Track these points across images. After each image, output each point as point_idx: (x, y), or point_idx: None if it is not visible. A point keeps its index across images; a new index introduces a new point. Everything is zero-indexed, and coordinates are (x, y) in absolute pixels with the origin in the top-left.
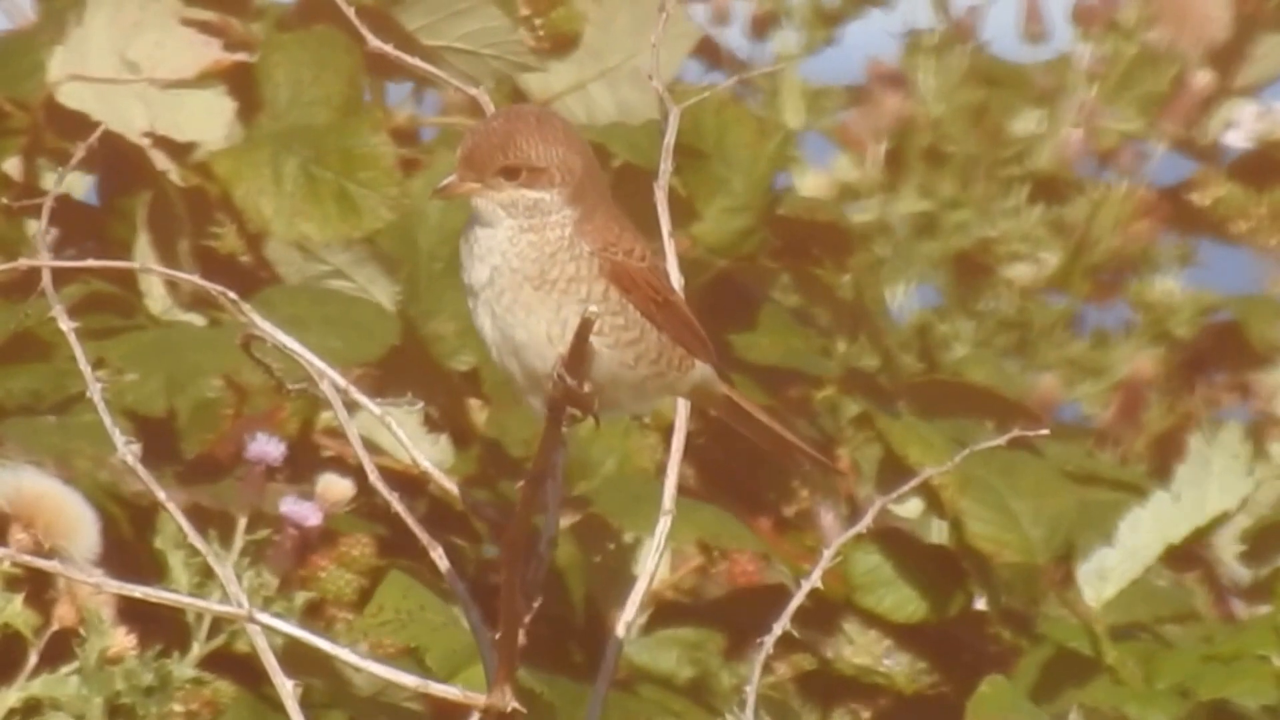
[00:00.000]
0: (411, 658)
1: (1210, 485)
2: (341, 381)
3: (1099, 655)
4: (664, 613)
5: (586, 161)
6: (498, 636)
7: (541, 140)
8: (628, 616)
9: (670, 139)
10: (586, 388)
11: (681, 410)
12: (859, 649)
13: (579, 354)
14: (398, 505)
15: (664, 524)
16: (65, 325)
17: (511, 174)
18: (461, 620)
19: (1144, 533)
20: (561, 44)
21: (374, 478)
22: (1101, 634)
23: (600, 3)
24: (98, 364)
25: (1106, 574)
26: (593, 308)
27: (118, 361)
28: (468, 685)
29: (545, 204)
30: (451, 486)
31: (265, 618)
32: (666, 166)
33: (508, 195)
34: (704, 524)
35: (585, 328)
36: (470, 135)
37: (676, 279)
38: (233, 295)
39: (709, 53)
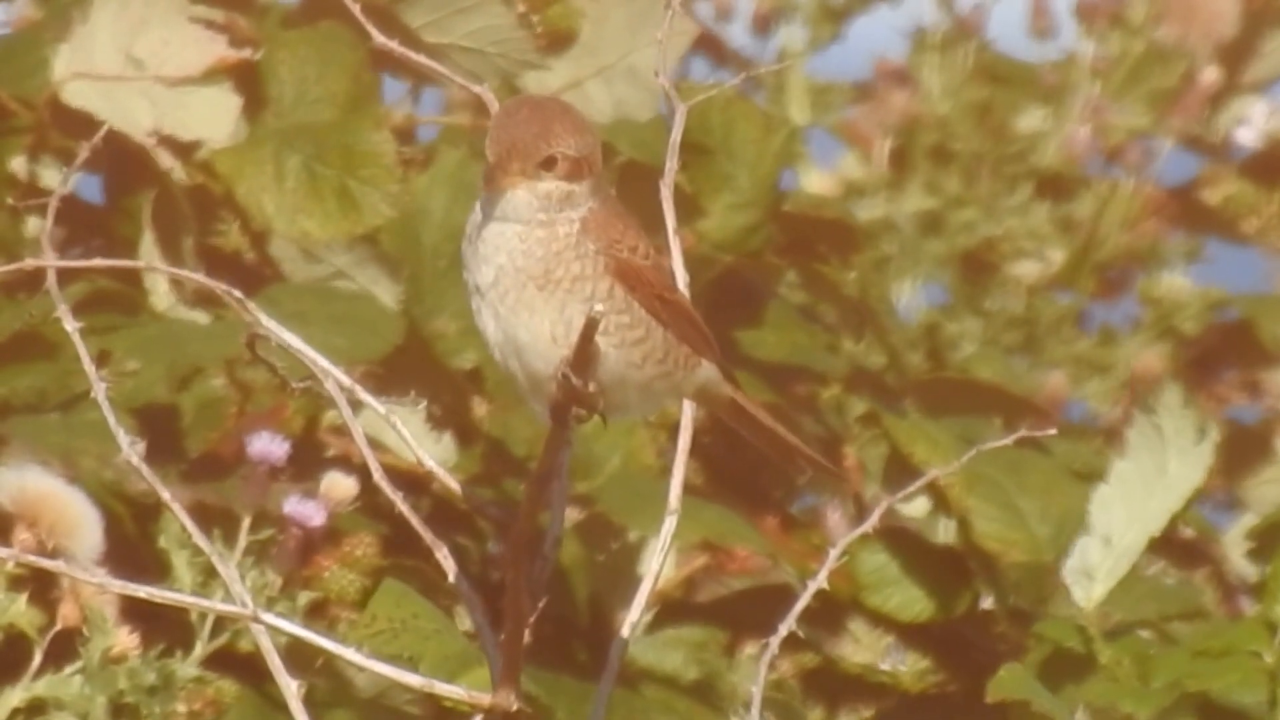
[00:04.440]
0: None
1: (1166, 451)
2: (346, 380)
3: (1092, 654)
4: (669, 612)
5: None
6: (503, 637)
7: (576, 130)
8: (633, 617)
9: (677, 136)
10: (592, 387)
11: (687, 409)
12: (864, 648)
13: (584, 353)
14: (402, 505)
15: (669, 524)
16: (70, 326)
17: (550, 164)
18: (456, 626)
19: (1115, 513)
20: (557, 42)
21: (379, 477)
22: (1095, 633)
23: (597, 0)
24: (102, 358)
25: (1091, 571)
26: (598, 306)
27: (120, 353)
28: (471, 686)
29: (577, 196)
30: (456, 486)
31: (270, 618)
32: (673, 164)
33: (545, 187)
34: (709, 523)
35: (590, 327)
36: (503, 128)
37: (681, 277)
38: (238, 293)
39: (713, 49)
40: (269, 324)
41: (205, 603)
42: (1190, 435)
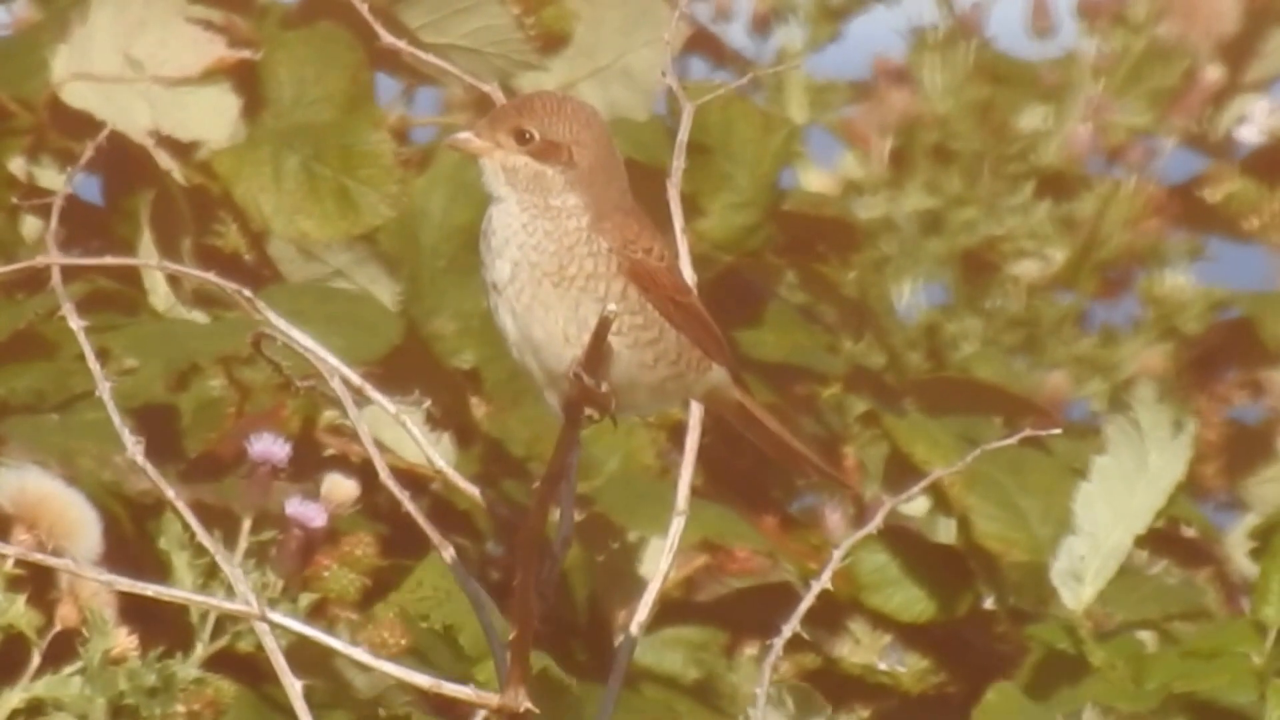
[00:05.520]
0: (416, 658)
1: (1145, 446)
2: (356, 379)
3: (1083, 656)
4: (669, 612)
5: (604, 153)
6: (511, 636)
7: (559, 115)
8: (640, 617)
9: (684, 136)
10: (604, 387)
11: (695, 410)
12: (863, 648)
13: (597, 353)
14: (409, 505)
15: (677, 525)
16: (75, 324)
17: (522, 138)
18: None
19: (1100, 510)
20: (552, 43)
21: (385, 476)
22: (1086, 635)
23: (591, 2)
24: (100, 357)
25: (1079, 572)
26: (611, 306)
27: (118, 351)
28: (478, 685)
29: (547, 179)
30: (468, 486)
31: (276, 616)
32: (679, 164)
33: (513, 160)
34: (710, 523)
35: (604, 326)
36: (499, 106)
37: (690, 276)
38: (247, 292)
39: (712, 49)
40: (277, 322)
41: (213, 601)
42: (1167, 429)
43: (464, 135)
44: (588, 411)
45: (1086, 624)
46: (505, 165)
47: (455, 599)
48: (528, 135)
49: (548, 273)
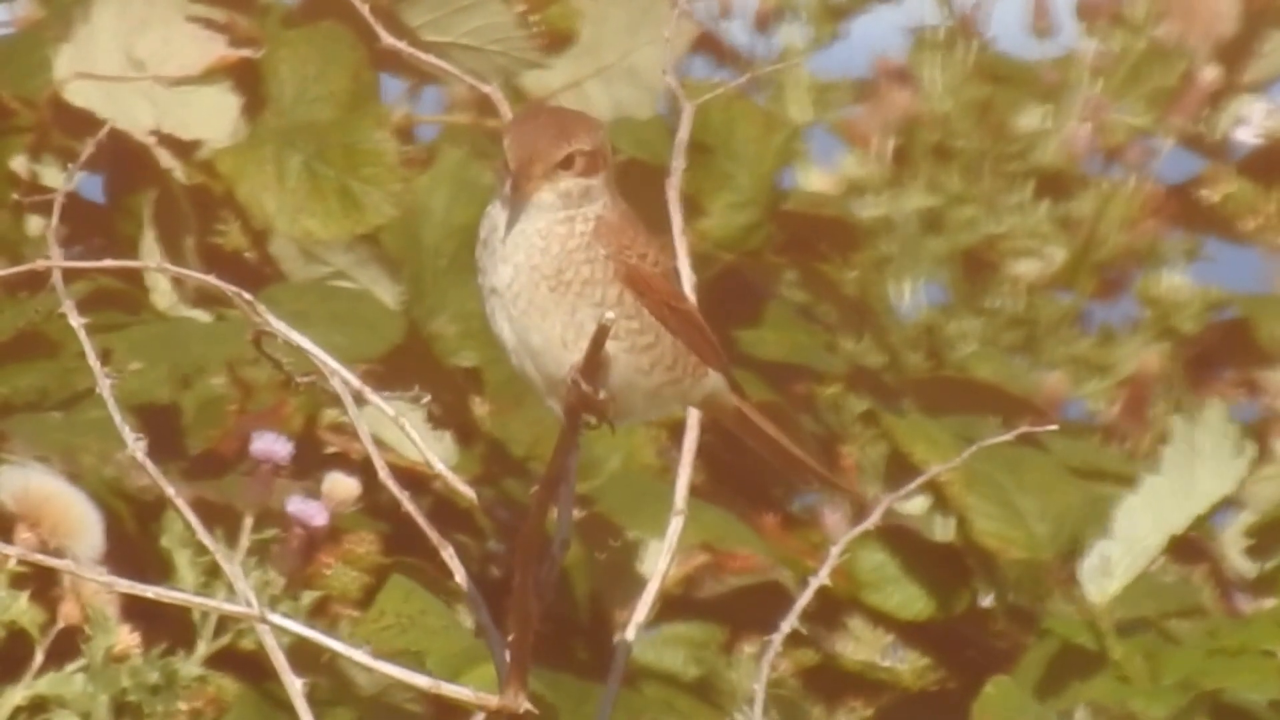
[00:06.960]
0: (418, 657)
1: (1198, 467)
2: (355, 380)
3: (1103, 651)
4: (668, 609)
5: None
6: (510, 637)
7: (589, 126)
8: (638, 618)
9: (684, 135)
10: (602, 394)
11: (692, 411)
12: (863, 645)
13: (595, 360)
14: (408, 504)
15: (675, 525)
16: (75, 322)
17: (568, 163)
18: (462, 623)
19: (1140, 521)
20: (557, 42)
21: (384, 475)
22: (1106, 630)
23: (596, 0)
24: (104, 357)
25: (1109, 569)
26: (609, 314)
27: (123, 353)
28: (477, 686)
29: (594, 190)
30: (466, 489)
31: (276, 618)
32: (679, 163)
33: (565, 185)
34: (710, 525)
35: (601, 334)
36: (522, 134)
37: (688, 277)
38: (247, 295)
39: (714, 49)
40: (277, 325)
41: (212, 603)
42: (1229, 449)
43: (526, 184)
44: (586, 418)
45: (1108, 618)
46: (559, 192)
47: (419, 624)
48: (572, 160)
49: (545, 276)
